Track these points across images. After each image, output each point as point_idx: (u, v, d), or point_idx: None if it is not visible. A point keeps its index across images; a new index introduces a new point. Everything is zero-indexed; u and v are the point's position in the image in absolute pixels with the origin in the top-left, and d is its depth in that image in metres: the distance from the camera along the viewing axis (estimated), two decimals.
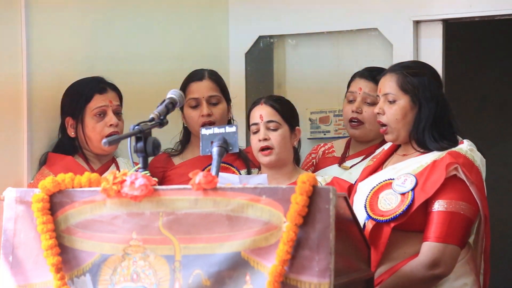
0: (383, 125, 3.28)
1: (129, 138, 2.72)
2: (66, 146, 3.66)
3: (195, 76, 3.89)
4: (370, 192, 3.21)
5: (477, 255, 3.25)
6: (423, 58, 4.27)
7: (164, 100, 2.88)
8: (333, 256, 2.40)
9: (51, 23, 3.75)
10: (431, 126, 3.21)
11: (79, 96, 3.64)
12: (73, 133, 3.65)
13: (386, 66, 3.98)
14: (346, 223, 2.65)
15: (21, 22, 3.61)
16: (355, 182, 3.53)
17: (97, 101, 3.63)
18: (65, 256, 2.63)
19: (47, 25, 3.73)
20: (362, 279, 2.77)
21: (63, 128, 3.68)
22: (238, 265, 2.48)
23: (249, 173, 3.78)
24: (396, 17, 4.43)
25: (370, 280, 2.84)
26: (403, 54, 4.32)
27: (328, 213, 2.42)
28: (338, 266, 2.42)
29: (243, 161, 3.84)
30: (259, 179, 2.89)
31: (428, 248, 3.08)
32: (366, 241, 2.85)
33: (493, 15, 4.34)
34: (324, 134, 4.69)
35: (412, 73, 3.24)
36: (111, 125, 3.62)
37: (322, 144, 4.11)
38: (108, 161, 3.73)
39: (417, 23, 4.43)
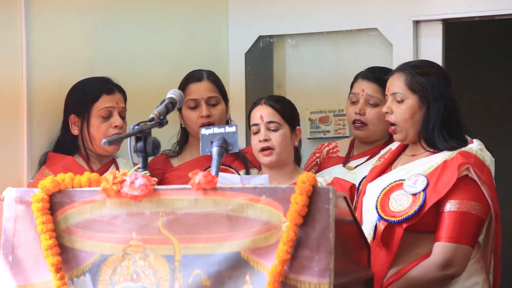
0: (392, 124, 3.27)
1: (129, 138, 2.72)
2: (68, 144, 3.66)
3: (194, 76, 3.88)
4: (380, 193, 3.20)
5: (487, 254, 3.25)
6: (423, 58, 4.26)
7: (164, 100, 2.87)
8: (333, 256, 2.40)
9: (51, 23, 3.75)
10: (440, 126, 3.20)
11: (86, 94, 3.63)
12: (76, 131, 3.64)
13: (386, 66, 3.99)
14: (346, 223, 2.65)
15: (21, 22, 3.60)
16: (361, 182, 3.52)
17: (104, 102, 3.62)
18: (65, 256, 2.63)
19: (47, 26, 3.73)
20: (361, 279, 2.77)
21: (65, 126, 3.68)
22: (238, 265, 2.48)
23: (247, 173, 3.77)
24: (396, 17, 4.43)
25: (370, 280, 2.84)
26: (403, 54, 4.31)
27: (328, 213, 2.42)
28: (338, 266, 2.42)
29: (242, 161, 3.83)
30: (260, 179, 2.88)
31: (440, 248, 3.08)
32: (366, 241, 2.85)
33: (493, 15, 4.34)
34: (324, 134, 4.68)
35: (421, 73, 3.23)
36: (116, 126, 3.61)
37: (326, 144, 4.09)
38: (108, 162, 3.72)
39: (417, 23, 4.43)
